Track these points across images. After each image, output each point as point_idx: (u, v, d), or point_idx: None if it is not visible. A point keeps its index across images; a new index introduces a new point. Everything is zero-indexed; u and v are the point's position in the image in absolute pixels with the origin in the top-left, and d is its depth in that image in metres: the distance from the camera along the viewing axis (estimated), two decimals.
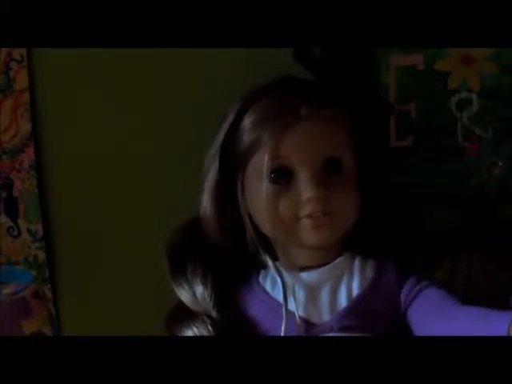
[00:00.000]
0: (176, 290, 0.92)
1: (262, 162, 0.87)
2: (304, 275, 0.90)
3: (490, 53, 0.97)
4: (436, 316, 0.85)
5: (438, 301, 0.86)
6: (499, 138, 0.98)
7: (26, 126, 1.09)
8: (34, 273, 1.07)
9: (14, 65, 1.08)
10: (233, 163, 0.90)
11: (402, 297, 0.88)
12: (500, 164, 0.97)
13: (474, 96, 0.98)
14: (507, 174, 0.97)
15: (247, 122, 0.89)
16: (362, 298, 0.88)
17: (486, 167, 0.98)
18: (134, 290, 1.09)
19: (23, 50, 1.08)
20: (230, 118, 0.90)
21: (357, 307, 0.87)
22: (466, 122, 0.98)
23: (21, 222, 1.10)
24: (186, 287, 0.91)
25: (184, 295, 0.91)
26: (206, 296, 0.90)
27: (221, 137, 0.90)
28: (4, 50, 1.08)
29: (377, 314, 0.87)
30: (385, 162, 0.97)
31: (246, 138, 0.88)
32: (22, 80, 1.08)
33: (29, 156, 1.09)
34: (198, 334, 0.89)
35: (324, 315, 0.87)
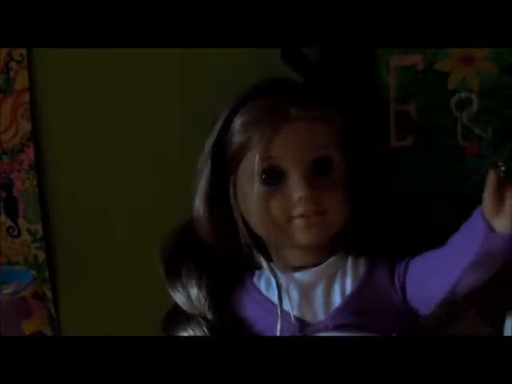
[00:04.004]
0: (171, 292, 0.92)
1: (252, 162, 0.88)
2: (298, 275, 0.90)
3: (489, 53, 0.97)
4: (425, 272, 0.86)
5: (423, 260, 0.88)
6: (499, 138, 0.98)
7: (26, 126, 1.09)
8: (33, 273, 1.07)
9: (14, 65, 1.08)
10: (224, 164, 0.91)
11: (396, 282, 0.89)
12: (500, 164, 0.97)
13: (474, 96, 0.98)
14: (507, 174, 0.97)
15: (237, 123, 0.89)
16: (355, 295, 0.88)
17: (486, 167, 0.98)
18: (133, 290, 1.08)
19: (23, 50, 1.08)
20: (221, 120, 0.91)
21: (351, 305, 0.88)
22: (465, 122, 0.98)
23: (21, 221, 1.10)
24: (181, 289, 0.92)
25: (179, 298, 0.92)
26: (201, 298, 0.90)
27: (212, 138, 0.91)
28: (4, 50, 1.07)
29: (371, 311, 0.88)
30: (384, 162, 0.97)
31: (237, 139, 0.89)
32: (22, 80, 1.08)
33: (29, 156, 1.09)
34: None
35: (318, 314, 0.88)
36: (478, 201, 0.82)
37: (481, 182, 0.98)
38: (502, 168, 0.92)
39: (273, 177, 0.88)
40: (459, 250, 0.82)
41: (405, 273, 0.88)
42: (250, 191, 0.89)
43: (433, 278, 0.85)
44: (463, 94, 0.98)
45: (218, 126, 0.91)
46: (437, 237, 0.89)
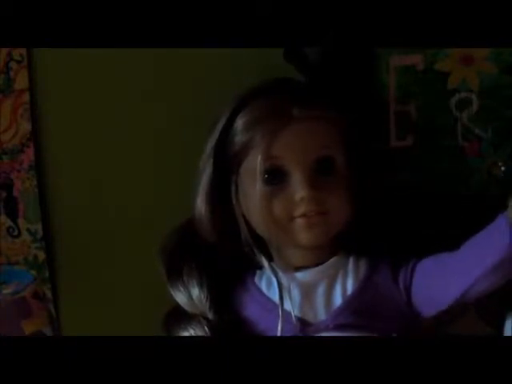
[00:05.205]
0: (172, 292, 0.92)
1: (255, 162, 0.88)
2: (299, 275, 0.90)
3: (489, 53, 0.97)
4: (436, 274, 0.86)
5: (434, 263, 0.87)
6: (499, 138, 0.98)
7: (26, 126, 1.09)
8: (33, 273, 1.07)
9: (14, 65, 1.08)
10: (226, 164, 0.90)
11: (400, 284, 0.89)
12: (500, 164, 0.97)
13: (473, 96, 0.98)
14: (507, 174, 0.97)
15: (240, 123, 0.89)
16: (356, 296, 0.88)
17: (486, 167, 0.98)
18: (133, 290, 1.08)
19: (23, 50, 1.08)
20: (223, 120, 0.91)
21: (352, 305, 0.88)
22: (465, 122, 0.99)
23: (21, 221, 1.10)
24: (182, 289, 0.92)
25: (180, 297, 0.92)
26: (202, 298, 0.90)
27: (214, 138, 0.91)
28: (4, 50, 1.07)
29: (372, 311, 0.88)
30: (385, 162, 0.98)
31: (239, 139, 0.89)
32: (22, 80, 1.08)
33: (29, 156, 1.09)
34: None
35: (319, 314, 0.88)
36: (478, 201, 0.82)
37: (481, 182, 0.98)
38: (502, 168, 0.92)
39: (275, 177, 0.88)
40: (478, 255, 0.82)
41: (411, 275, 0.88)
42: (251, 191, 0.89)
43: (446, 280, 0.85)
44: (463, 94, 0.98)
45: (220, 125, 0.91)
46: (437, 237, 0.89)
